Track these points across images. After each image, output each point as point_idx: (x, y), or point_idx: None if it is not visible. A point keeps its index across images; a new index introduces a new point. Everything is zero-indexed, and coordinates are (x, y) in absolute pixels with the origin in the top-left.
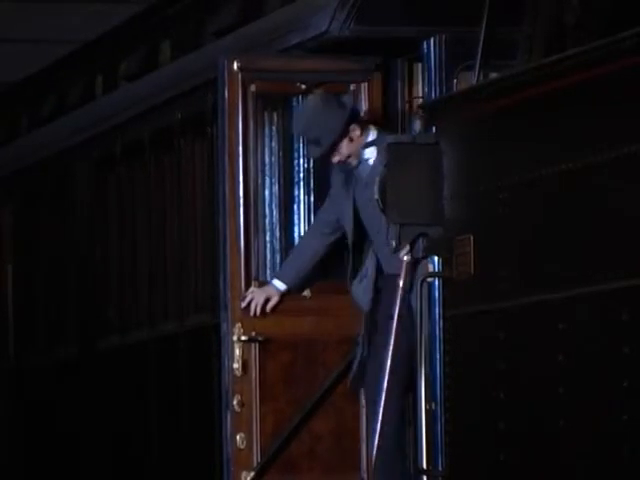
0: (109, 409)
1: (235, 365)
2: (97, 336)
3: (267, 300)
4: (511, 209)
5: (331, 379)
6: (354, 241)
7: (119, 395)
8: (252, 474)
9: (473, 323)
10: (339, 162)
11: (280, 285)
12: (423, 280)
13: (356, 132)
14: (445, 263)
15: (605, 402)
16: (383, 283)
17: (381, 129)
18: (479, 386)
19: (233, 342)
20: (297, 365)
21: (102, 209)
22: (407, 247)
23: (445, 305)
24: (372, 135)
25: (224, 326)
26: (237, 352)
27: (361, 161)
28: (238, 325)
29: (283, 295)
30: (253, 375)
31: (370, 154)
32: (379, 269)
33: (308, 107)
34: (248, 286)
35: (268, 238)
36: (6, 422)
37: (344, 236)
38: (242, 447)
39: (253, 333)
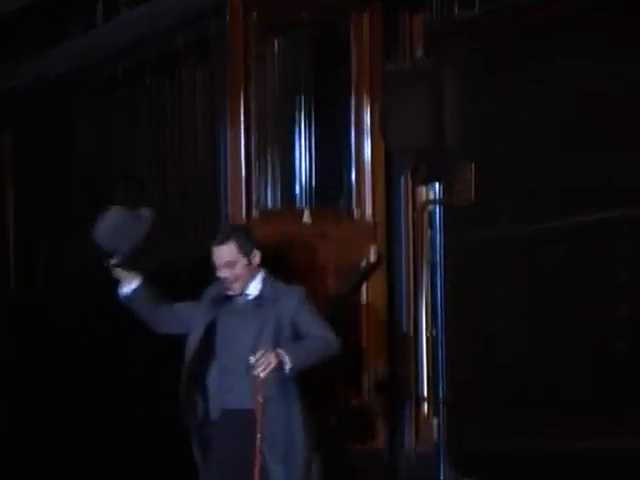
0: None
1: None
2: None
3: None
4: (512, 134)
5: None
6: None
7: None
8: None
9: (473, 249)
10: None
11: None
12: (424, 208)
13: (256, 258)
14: (445, 190)
15: (601, 327)
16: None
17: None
18: (479, 312)
19: None
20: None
21: (105, 132)
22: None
23: (446, 232)
24: (262, 274)
25: None
26: None
27: (242, 292)
28: None
29: None
30: None
31: (253, 290)
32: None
33: (109, 218)
34: (249, 215)
35: (269, 166)
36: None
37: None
38: None
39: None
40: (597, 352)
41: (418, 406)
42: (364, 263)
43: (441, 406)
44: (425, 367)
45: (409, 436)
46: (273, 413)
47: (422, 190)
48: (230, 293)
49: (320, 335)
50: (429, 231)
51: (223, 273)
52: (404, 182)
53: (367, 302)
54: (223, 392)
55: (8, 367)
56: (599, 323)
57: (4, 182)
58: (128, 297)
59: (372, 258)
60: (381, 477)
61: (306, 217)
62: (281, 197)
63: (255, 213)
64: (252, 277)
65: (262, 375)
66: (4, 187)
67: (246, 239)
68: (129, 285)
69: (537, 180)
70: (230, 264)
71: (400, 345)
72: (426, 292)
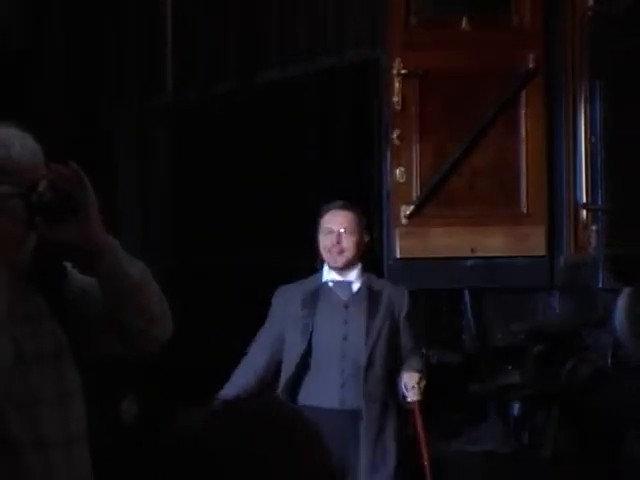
0: (267, 147)
1: (395, 99)
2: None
3: None
4: None
5: (492, 112)
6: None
7: (277, 130)
8: (411, 207)
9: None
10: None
11: None
12: (585, 14)
13: (365, 241)
14: None
15: None
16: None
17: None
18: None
19: (393, 76)
20: (457, 99)
21: None
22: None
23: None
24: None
25: (384, 60)
26: (397, 86)
27: (344, 280)
28: (398, 59)
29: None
30: (413, 110)
31: (355, 278)
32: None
33: None
34: (407, 22)
35: None
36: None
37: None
38: (402, 181)
39: (413, 67)
40: None
41: (577, 213)
42: (522, 70)
43: (600, 213)
44: (584, 174)
45: (568, 243)
46: (373, 416)
47: None
48: (333, 264)
49: (419, 356)
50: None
51: (336, 239)
52: None
53: (525, 111)
54: (328, 392)
55: None
56: None
57: None
58: None
59: (530, 65)
60: (541, 284)
61: (465, 24)
62: (440, 4)
63: (414, 20)
64: (356, 261)
65: (415, 399)
66: None
67: (362, 216)
68: None
69: None
70: (347, 232)
71: (557, 153)
72: (585, 99)
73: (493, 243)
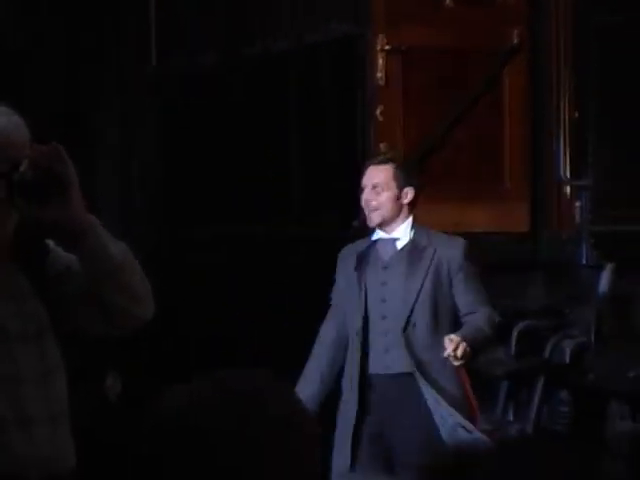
0: (250, 120)
1: (378, 75)
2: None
3: None
4: None
5: (475, 89)
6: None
7: (260, 106)
8: None
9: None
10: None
11: None
12: None
13: (408, 197)
14: None
15: None
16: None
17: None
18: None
19: (377, 52)
20: (441, 75)
21: None
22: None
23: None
24: (411, 219)
25: (368, 36)
26: (380, 62)
27: (389, 237)
28: (382, 36)
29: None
30: (396, 86)
31: (402, 235)
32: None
33: None
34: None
35: None
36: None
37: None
38: None
39: (397, 43)
40: None
41: (560, 189)
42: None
43: (584, 190)
44: (568, 151)
45: (551, 220)
46: (428, 381)
47: None
48: (368, 222)
49: (487, 313)
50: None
51: (367, 195)
52: None
53: (509, 87)
54: (372, 357)
55: None
56: None
57: None
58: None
59: (514, 41)
60: (526, 260)
61: (448, 0)
62: None
63: None
64: (397, 217)
65: (456, 364)
66: None
67: (406, 172)
68: None
69: None
70: (377, 188)
71: (541, 129)
72: (570, 73)
73: (476, 219)
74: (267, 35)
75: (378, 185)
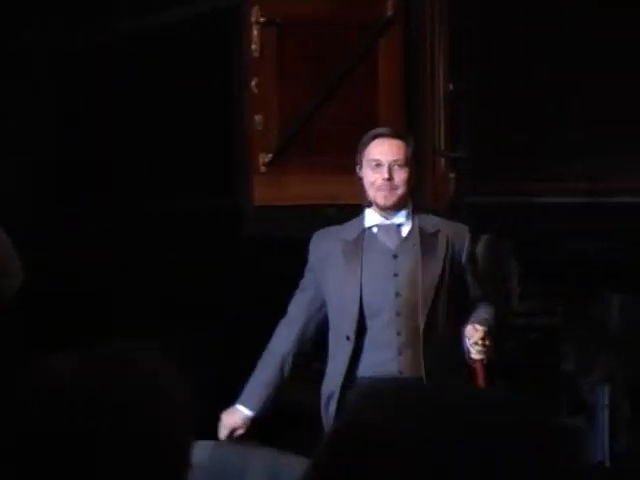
0: (128, 95)
1: (253, 47)
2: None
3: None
4: None
5: (349, 61)
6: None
7: (135, 80)
8: (270, 155)
9: None
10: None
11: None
12: None
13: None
14: None
15: None
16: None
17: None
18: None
19: (252, 24)
20: (316, 48)
21: None
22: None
23: None
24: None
25: (243, 8)
26: (255, 34)
27: (391, 222)
28: (256, 7)
29: None
30: (271, 58)
31: (405, 220)
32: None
33: None
34: None
35: None
36: None
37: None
38: (260, 129)
39: (271, 16)
40: None
41: (436, 161)
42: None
43: (458, 161)
44: (443, 123)
45: (426, 192)
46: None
47: None
48: (383, 203)
49: (489, 306)
50: None
51: (387, 174)
52: None
53: (383, 59)
54: (383, 359)
55: None
56: None
57: None
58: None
59: (388, 13)
60: None
61: None
62: None
63: None
64: (407, 199)
65: (479, 357)
66: None
67: (412, 146)
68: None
69: None
70: (399, 164)
71: (415, 101)
72: (445, 45)
73: (353, 191)
74: (136, 11)
75: (398, 161)
